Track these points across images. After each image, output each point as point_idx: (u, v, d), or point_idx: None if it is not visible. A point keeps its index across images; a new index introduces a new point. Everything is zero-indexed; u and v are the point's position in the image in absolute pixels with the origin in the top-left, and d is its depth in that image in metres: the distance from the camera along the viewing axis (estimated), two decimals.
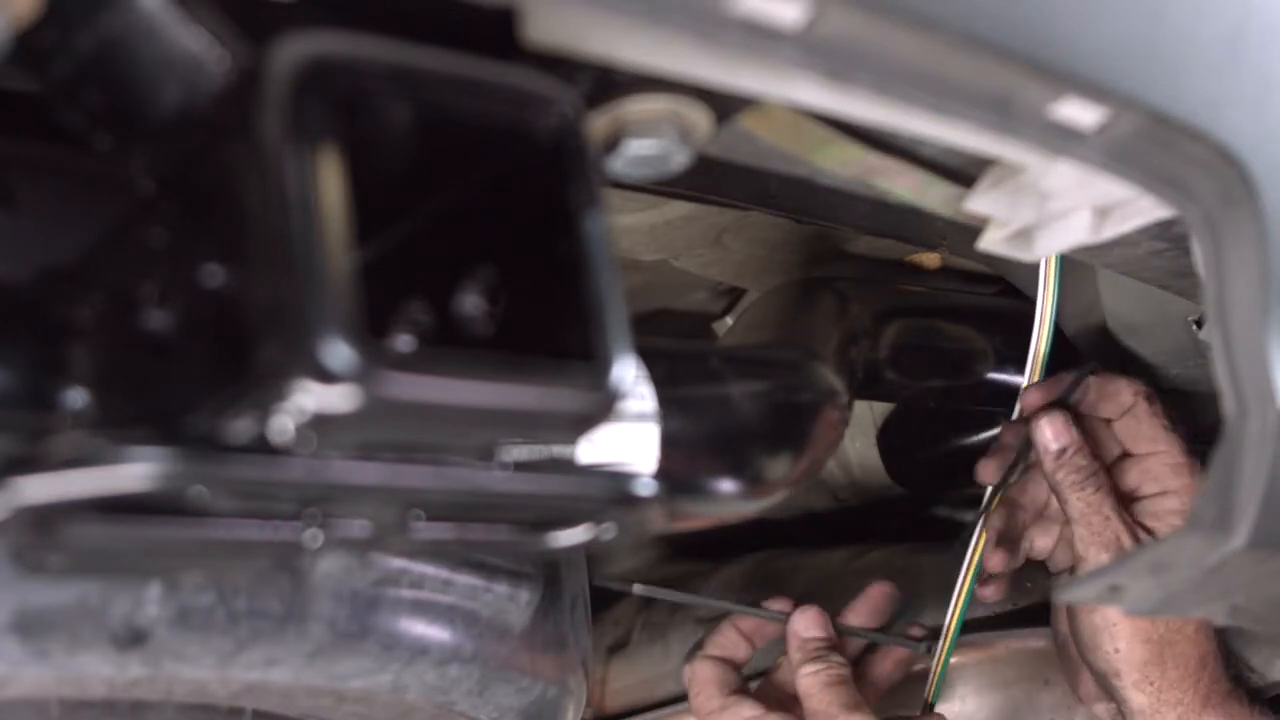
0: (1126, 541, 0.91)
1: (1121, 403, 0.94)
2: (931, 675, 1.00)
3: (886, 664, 1.01)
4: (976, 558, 0.97)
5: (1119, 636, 0.92)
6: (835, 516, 1.33)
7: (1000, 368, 1.08)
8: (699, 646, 1.00)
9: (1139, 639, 0.91)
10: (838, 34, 0.41)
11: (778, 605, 1.00)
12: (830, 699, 0.92)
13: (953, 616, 0.99)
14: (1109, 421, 0.96)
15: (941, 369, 1.08)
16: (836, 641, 0.98)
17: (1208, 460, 0.54)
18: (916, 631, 1.01)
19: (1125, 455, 0.96)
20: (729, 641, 1.01)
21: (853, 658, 0.99)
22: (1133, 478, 0.95)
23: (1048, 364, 0.96)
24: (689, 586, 1.24)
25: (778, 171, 0.72)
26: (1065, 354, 1.02)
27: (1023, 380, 0.98)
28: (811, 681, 0.94)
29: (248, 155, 0.38)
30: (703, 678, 0.98)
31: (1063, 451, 0.92)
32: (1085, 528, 0.92)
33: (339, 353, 0.36)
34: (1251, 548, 0.54)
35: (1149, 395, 0.94)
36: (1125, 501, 0.93)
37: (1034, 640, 1.07)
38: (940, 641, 0.99)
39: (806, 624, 0.98)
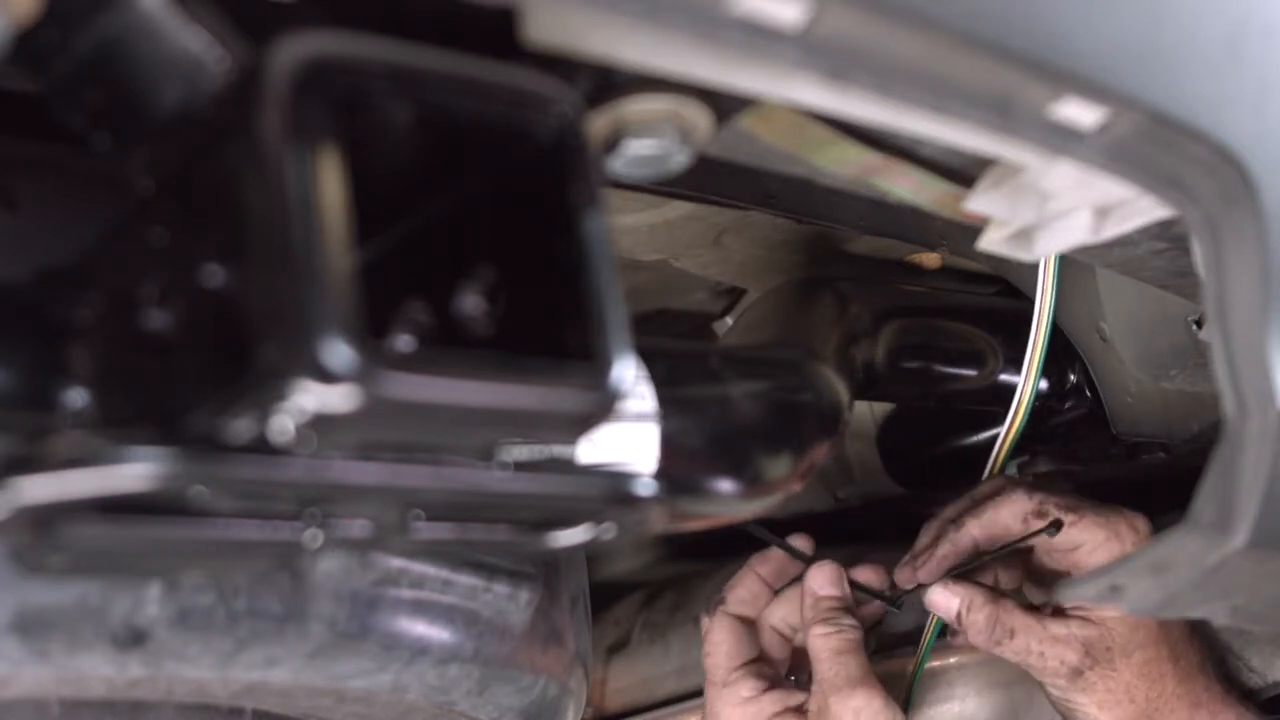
0: (1054, 661, 0.91)
1: (1018, 534, 0.93)
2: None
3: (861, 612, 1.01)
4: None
5: None
6: (835, 516, 1.32)
7: (1000, 368, 1.08)
8: (721, 601, 0.98)
9: None
10: (838, 34, 0.40)
11: (800, 543, 0.98)
12: (839, 669, 0.90)
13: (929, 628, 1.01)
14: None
15: (941, 369, 1.08)
16: (850, 601, 0.95)
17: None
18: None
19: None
20: (749, 594, 0.98)
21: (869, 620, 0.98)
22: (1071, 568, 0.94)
23: (1044, 363, 0.96)
24: (689, 586, 1.24)
25: (778, 171, 0.72)
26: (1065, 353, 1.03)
27: (1021, 380, 0.97)
28: (822, 645, 0.92)
29: (248, 155, 0.38)
30: (717, 639, 0.96)
31: (958, 616, 0.92)
32: (1022, 659, 0.92)
33: (339, 353, 0.36)
34: (1251, 548, 0.54)
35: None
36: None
37: None
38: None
39: (822, 580, 0.94)
